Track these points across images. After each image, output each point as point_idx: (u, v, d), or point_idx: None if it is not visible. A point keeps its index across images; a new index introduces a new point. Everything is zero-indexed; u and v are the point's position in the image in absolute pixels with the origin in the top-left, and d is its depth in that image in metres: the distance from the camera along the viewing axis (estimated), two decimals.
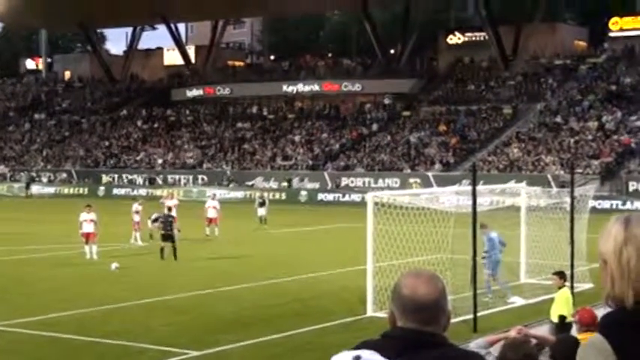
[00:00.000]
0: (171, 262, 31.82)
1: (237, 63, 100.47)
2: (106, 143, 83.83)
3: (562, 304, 16.08)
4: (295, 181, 67.44)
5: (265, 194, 50.92)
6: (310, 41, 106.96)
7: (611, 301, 2.93)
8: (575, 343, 7.80)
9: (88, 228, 32.77)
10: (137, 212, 38.24)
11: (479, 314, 19.45)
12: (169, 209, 37.45)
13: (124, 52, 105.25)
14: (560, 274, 17.06)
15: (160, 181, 72.90)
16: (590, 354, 2.88)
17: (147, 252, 35.08)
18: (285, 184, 67.06)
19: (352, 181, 65.69)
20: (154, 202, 43.02)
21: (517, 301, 22.82)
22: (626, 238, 2.91)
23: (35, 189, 75.93)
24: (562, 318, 15.66)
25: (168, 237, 32.62)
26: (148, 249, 36.10)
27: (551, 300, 16.92)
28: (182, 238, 37.36)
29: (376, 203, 21.55)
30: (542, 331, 14.12)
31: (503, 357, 6.75)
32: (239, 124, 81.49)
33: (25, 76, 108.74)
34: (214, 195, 45.83)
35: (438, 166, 64.79)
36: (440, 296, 3.29)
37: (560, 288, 16.58)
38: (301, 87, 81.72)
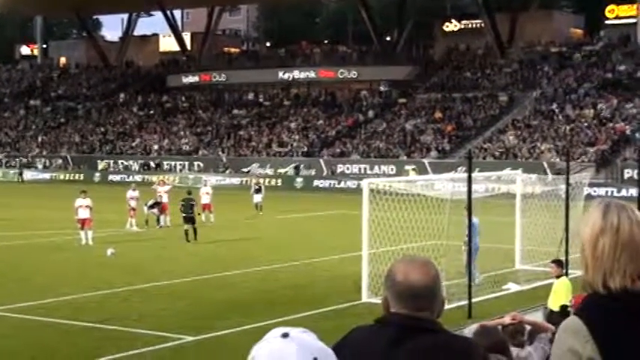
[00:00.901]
0: (167, 248, 32.01)
1: (232, 50, 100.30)
2: (102, 129, 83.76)
3: (563, 293, 16.06)
4: (290, 168, 67.46)
5: (261, 181, 50.93)
6: (306, 28, 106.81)
7: (587, 286, 3.02)
8: None
9: (83, 214, 32.83)
10: (132, 198, 38.30)
11: (473, 300, 19.52)
12: (161, 196, 37.83)
13: (120, 38, 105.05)
14: (558, 262, 17.01)
15: (154, 166, 72.90)
16: (568, 335, 2.97)
17: (142, 238, 35.14)
18: (283, 170, 66.98)
19: (348, 168, 65.73)
20: (149, 188, 42.99)
21: (512, 287, 22.89)
22: (602, 228, 2.99)
23: (30, 175, 75.91)
24: (564, 307, 15.63)
25: (189, 219, 33.85)
26: (143, 235, 36.17)
27: (546, 286, 16.96)
28: (177, 224, 37.52)
29: (372, 190, 21.57)
30: (537, 317, 14.18)
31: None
32: (235, 111, 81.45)
33: (20, 63, 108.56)
34: (206, 181, 45.91)
35: (433, 153, 64.81)
36: (433, 282, 3.31)
37: (558, 277, 16.54)
38: (297, 74, 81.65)
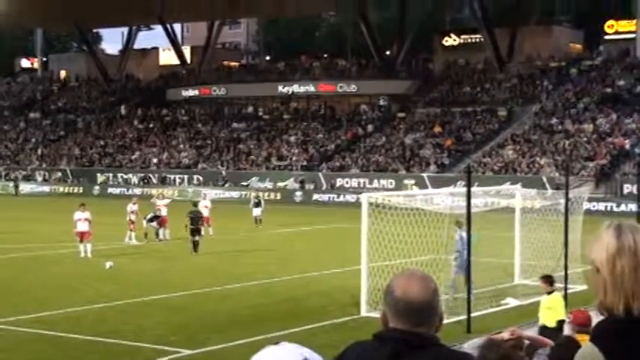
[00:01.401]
0: (166, 261, 32.02)
1: (232, 63, 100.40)
2: (102, 143, 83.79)
3: (558, 309, 15.99)
4: (290, 182, 67.46)
5: (260, 194, 50.94)
6: (306, 42, 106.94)
7: (603, 310, 2.93)
8: (578, 347, 7.81)
9: (82, 227, 32.83)
10: (133, 212, 38.28)
11: (473, 315, 19.49)
12: (160, 209, 37.93)
13: (120, 51, 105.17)
14: (547, 279, 16.73)
15: (155, 181, 72.94)
16: None
17: (141, 251, 35.11)
18: (282, 184, 66.97)
19: (347, 182, 65.73)
20: (149, 202, 42.98)
21: (511, 302, 22.86)
22: (619, 249, 2.90)
23: (29, 188, 75.90)
24: (561, 322, 15.55)
25: (196, 231, 34.55)
26: (142, 248, 36.14)
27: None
28: (176, 237, 37.54)
29: (371, 204, 21.57)
30: (536, 332, 14.15)
31: (481, 357, 6.77)
32: (234, 125, 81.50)
33: (20, 75, 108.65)
34: (205, 195, 45.88)
35: (432, 167, 64.83)
36: (432, 297, 3.30)
37: (549, 293, 16.37)
38: (297, 88, 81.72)
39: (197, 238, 34.36)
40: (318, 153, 72.09)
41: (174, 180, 72.94)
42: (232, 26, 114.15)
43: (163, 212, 39.61)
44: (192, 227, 34.55)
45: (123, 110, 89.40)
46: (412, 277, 3.34)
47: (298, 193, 65.26)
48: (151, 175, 74.28)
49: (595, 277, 2.95)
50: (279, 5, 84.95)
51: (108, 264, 29.29)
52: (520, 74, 74.46)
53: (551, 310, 16.05)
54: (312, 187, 66.34)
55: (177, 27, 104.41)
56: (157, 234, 38.78)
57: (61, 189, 74.61)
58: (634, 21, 74.63)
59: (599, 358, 2.84)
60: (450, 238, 22.66)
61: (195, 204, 37.94)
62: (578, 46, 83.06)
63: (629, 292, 2.88)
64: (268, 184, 67.47)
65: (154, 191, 66.78)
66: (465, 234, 22.81)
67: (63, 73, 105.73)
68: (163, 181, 72.63)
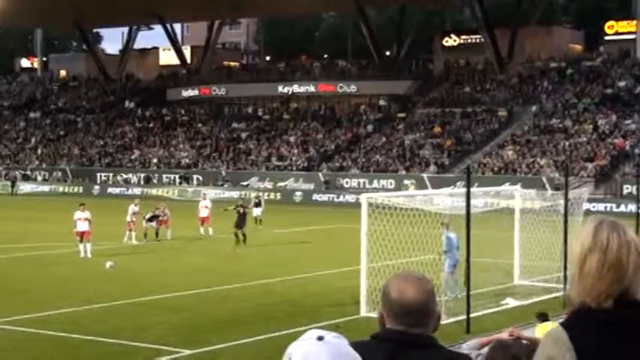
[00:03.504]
0: (165, 261, 32.12)
1: (232, 63, 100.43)
2: (101, 142, 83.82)
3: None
4: (290, 182, 67.49)
5: (261, 194, 50.93)
6: (306, 42, 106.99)
7: (569, 301, 3.06)
8: None
9: (82, 226, 32.84)
10: (134, 213, 38.27)
11: (472, 315, 19.50)
12: (163, 212, 38.19)
13: (120, 51, 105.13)
14: (542, 317, 15.96)
15: (155, 180, 72.99)
16: (549, 343, 3.03)
17: (141, 251, 35.12)
18: (283, 184, 66.95)
19: (347, 182, 65.75)
20: (150, 202, 43.03)
21: (510, 302, 22.87)
22: (591, 246, 3.02)
23: (29, 187, 75.87)
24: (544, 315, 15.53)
25: (240, 225, 36.82)
26: (142, 248, 36.15)
27: (544, 302, 16.86)
28: (176, 237, 37.62)
29: (370, 204, 21.58)
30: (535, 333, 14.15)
31: (490, 358, 6.79)
32: (234, 125, 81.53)
33: (20, 75, 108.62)
34: (205, 195, 45.82)
35: (432, 167, 64.84)
36: (428, 298, 3.32)
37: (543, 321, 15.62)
38: (297, 88, 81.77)
39: (240, 231, 36.52)
40: (318, 153, 72.10)
41: (174, 180, 72.93)
42: (232, 26, 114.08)
43: (167, 215, 39.66)
44: (238, 222, 36.80)
45: (121, 111, 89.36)
46: (408, 278, 3.36)
47: (298, 193, 65.26)
48: (150, 175, 74.28)
49: (570, 269, 3.09)
50: (280, 5, 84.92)
51: (108, 264, 29.29)
52: (520, 75, 74.48)
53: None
54: (308, 186, 66.30)
55: (177, 27, 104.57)
56: (157, 234, 38.79)
57: (61, 189, 74.60)
58: (634, 22, 74.63)
59: (563, 337, 2.98)
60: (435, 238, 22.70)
61: (244, 205, 39.35)
62: (579, 47, 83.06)
63: (590, 287, 3.01)
64: (268, 184, 67.47)
65: (154, 191, 67.13)
66: (452, 234, 22.88)
67: (63, 73, 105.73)
68: (148, 181, 72.66)
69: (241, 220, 37.19)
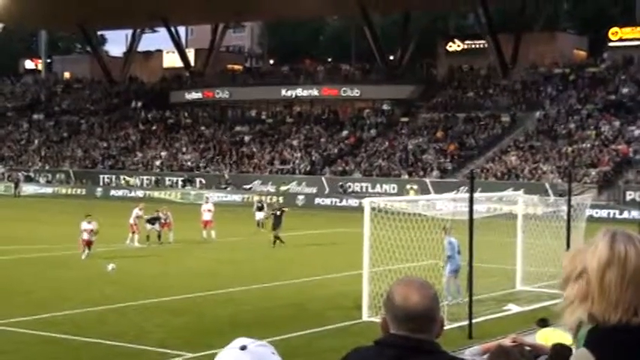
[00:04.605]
0: (168, 264, 32.14)
1: (236, 67, 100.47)
2: (104, 144, 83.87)
3: (555, 335, 15.71)
4: (293, 185, 67.47)
5: (264, 198, 50.91)
6: (310, 46, 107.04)
7: (589, 319, 2.97)
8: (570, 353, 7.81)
9: (88, 237, 32.92)
10: (138, 217, 38.26)
11: (474, 321, 19.48)
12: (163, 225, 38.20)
13: (124, 53, 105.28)
14: (542, 323, 16.10)
15: (156, 183, 73.05)
16: None
17: (143, 254, 35.11)
18: (285, 187, 66.96)
19: (350, 186, 65.72)
20: (152, 204, 43.03)
21: (512, 308, 22.85)
22: (609, 259, 2.92)
23: (32, 189, 75.91)
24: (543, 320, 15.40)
25: (277, 226, 38.05)
26: (144, 251, 36.14)
27: (547, 308, 16.75)
28: (179, 240, 37.65)
29: (373, 208, 21.57)
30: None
31: None
32: (237, 128, 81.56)
33: (24, 77, 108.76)
34: (208, 199, 45.70)
35: (435, 172, 64.81)
36: (431, 304, 3.32)
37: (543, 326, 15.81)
38: (300, 91, 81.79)
39: (274, 233, 37.73)
40: (321, 157, 72.11)
41: (177, 182, 72.98)
42: (236, 29, 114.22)
43: (169, 218, 39.66)
44: (274, 223, 38.17)
45: (125, 114, 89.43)
46: (411, 284, 3.35)
47: (300, 197, 65.24)
48: (153, 178, 74.35)
49: (585, 285, 2.98)
50: (284, 9, 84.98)
51: (110, 266, 29.26)
52: (524, 80, 74.47)
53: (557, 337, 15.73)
54: (311, 190, 66.26)
55: (181, 30, 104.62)
56: (159, 237, 38.78)
57: (64, 190, 74.65)
58: (638, 28, 74.65)
59: (592, 358, 2.87)
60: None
61: (281, 207, 41.12)
62: (582, 53, 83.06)
63: (612, 302, 2.91)
64: (271, 188, 67.46)
65: (156, 194, 67.18)
66: (453, 239, 22.86)
67: (67, 75, 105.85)
68: (157, 183, 72.79)
69: (277, 222, 38.31)
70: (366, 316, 20.77)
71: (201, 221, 41.17)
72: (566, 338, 16.42)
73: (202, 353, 17.68)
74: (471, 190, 20.38)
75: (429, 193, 55.69)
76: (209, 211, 41.13)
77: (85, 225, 33.19)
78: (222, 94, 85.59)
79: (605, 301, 2.92)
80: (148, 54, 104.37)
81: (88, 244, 32.75)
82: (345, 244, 34.38)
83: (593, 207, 33.78)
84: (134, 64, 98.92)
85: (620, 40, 76.19)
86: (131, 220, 38.16)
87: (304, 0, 77.42)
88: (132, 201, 43.11)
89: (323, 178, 67.51)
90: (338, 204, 62.90)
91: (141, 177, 75.12)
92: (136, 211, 38.54)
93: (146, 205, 40.97)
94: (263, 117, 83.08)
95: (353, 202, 58.71)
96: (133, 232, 38.05)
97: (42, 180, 79.04)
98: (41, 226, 45.56)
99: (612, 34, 76.92)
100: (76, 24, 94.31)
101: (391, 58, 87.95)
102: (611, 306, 2.91)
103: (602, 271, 2.92)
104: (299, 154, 73.34)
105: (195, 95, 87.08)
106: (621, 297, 2.90)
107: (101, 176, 77.20)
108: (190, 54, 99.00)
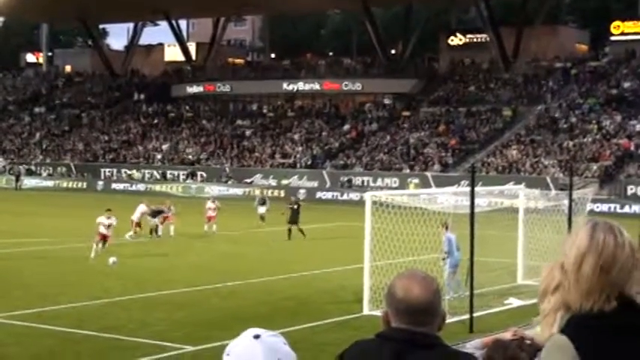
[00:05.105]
0: (169, 257, 32.12)
1: (237, 60, 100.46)
2: (106, 138, 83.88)
3: None
4: (294, 179, 67.48)
5: (265, 192, 50.90)
6: (311, 40, 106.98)
7: (564, 306, 3.02)
8: None
9: (106, 231, 32.10)
10: (143, 213, 38.18)
11: (475, 315, 19.48)
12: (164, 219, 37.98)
13: (125, 47, 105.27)
14: None
15: (159, 176, 73.01)
16: (554, 351, 2.99)
17: (145, 247, 35.12)
18: (286, 181, 66.93)
19: (351, 180, 65.69)
20: (154, 198, 43.01)
21: (513, 302, 22.84)
22: (587, 249, 2.99)
23: (34, 182, 75.96)
24: None
25: (294, 221, 38.24)
26: (145, 244, 36.15)
27: None
28: (180, 234, 37.65)
29: (374, 202, 21.56)
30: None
31: (488, 358, 6.77)
32: (239, 122, 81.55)
33: (25, 70, 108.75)
34: (214, 198, 45.32)
35: (437, 166, 64.81)
36: (433, 298, 3.31)
37: None
38: (301, 85, 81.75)
39: (295, 226, 37.94)
40: (322, 151, 72.10)
41: (178, 176, 72.99)
42: (238, 23, 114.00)
43: (172, 212, 39.65)
44: (293, 216, 38.39)
45: (126, 107, 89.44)
46: (413, 277, 3.35)
47: (302, 191, 65.21)
48: (154, 171, 74.40)
49: (562, 273, 3.02)
50: (285, 2, 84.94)
51: (111, 260, 29.22)
52: (525, 74, 74.42)
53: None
54: (312, 184, 66.27)
55: (182, 23, 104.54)
56: (157, 230, 38.66)
57: (65, 184, 74.69)
58: None
59: (568, 345, 2.94)
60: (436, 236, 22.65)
61: (297, 201, 41.08)
62: (584, 47, 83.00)
63: (585, 290, 2.98)
64: (272, 182, 67.46)
65: (157, 187, 67.19)
66: (451, 236, 22.83)
67: (68, 68, 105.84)
68: (165, 177, 72.85)
69: (295, 215, 38.52)
70: (367, 309, 20.77)
71: (205, 216, 41.17)
72: None
73: (203, 346, 17.69)
74: (472, 184, 20.38)
75: (430, 187, 55.72)
76: (214, 209, 41.08)
77: (103, 219, 32.49)
78: (223, 87, 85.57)
79: (580, 288, 2.99)
80: (149, 47, 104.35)
81: (104, 238, 32.19)
82: (346, 238, 34.38)
83: (594, 201, 33.84)
84: (135, 57, 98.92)
85: (622, 34, 76.08)
86: (134, 217, 37.98)
87: None
88: (133, 194, 43.05)
89: (324, 172, 67.52)
90: (339, 198, 62.90)
91: (142, 170, 75.13)
92: (142, 207, 38.38)
93: (148, 200, 40.93)
94: (264, 111, 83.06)
95: (354, 195, 58.76)
96: (136, 226, 37.91)
97: (43, 173, 79.10)
98: (42, 219, 45.57)
99: (614, 27, 76.80)
100: (78, 17, 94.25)
101: (393, 51, 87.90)
102: (585, 293, 2.96)
103: (580, 258, 2.99)
104: (300, 148, 73.33)
105: (196, 89, 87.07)
106: (596, 284, 2.95)
107: (102, 169, 77.21)
108: (192, 47, 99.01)
